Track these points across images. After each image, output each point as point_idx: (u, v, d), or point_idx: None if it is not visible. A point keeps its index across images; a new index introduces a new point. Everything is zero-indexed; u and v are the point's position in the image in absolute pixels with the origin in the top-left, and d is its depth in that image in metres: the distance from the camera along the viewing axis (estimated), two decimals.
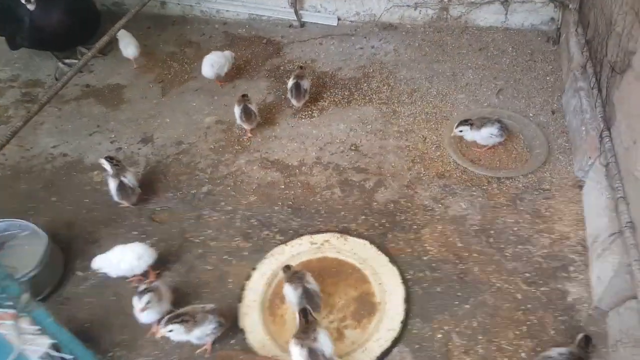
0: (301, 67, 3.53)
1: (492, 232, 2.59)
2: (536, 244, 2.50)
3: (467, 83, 3.55)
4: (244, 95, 3.28)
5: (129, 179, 2.84)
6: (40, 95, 3.80)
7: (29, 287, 0.91)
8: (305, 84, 3.39)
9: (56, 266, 2.61)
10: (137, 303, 2.21)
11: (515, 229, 2.58)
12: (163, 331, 2.11)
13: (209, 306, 2.25)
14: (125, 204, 2.90)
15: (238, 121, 3.28)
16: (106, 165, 2.83)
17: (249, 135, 3.34)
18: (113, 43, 3.94)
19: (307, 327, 2.06)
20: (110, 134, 3.46)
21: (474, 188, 2.81)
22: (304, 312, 2.08)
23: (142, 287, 2.26)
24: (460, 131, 2.96)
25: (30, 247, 2.58)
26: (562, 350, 1.98)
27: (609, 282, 2.03)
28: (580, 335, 2.02)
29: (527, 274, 2.39)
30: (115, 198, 2.85)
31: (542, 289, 2.33)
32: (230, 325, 2.30)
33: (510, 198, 2.73)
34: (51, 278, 2.56)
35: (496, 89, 3.46)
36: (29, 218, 2.83)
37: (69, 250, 2.74)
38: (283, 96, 3.64)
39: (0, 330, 1.48)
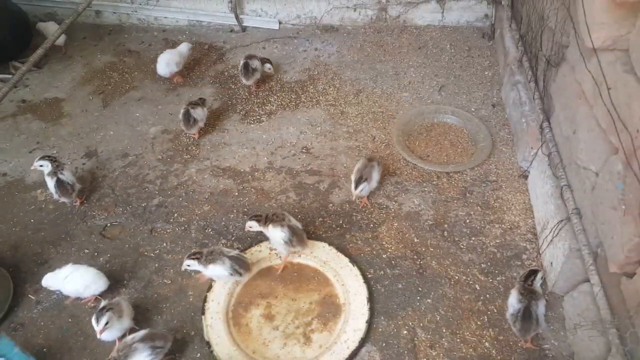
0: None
1: (446, 225, 2.67)
2: (489, 235, 2.61)
3: (410, 81, 3.66)
4: (200, 99, 3.35)
5: (67, 175, 2.80)
6: None
7: None
8: (255, 63, 3.54)
9: (4, 291, 2.45)
10: (95, 324, 2.12)
11: (468, 221, 2.68)
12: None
13: (140, 333, 2.12)
14: (66, 201, 2.87)
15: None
16: (43, 163, 2.79)
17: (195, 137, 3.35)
18: (48, 56, 3.74)
19: (275, 216, 2.44)
20: (52, 149, 3.28)
21: (425, 184, 2.89)
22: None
23: (102, 304, 2.19)
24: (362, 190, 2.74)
25: None
26: (516, 295, 2.10)
27: (561, 268, 2.13)
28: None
29: (483, 265, 2.48)
30: (55, 196, 2.82)
31: (498, 278, 2.42)
32: (174, 348, 2.21)
33: (460, 191, 2.84)
34: (1, 304, 2.40)
35: (438, 85, 3.59)
36: None
37: (17, 274, 2.57)
38: (230, 102, 3.60)
39: None
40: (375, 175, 2.75)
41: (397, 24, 4.21)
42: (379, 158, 2.87)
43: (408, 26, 4.19)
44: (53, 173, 2.77)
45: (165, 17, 4.36)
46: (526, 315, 2.05)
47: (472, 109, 3.36)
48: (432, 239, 2.61)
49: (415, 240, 2.61)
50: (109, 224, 2.82)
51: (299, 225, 2.52)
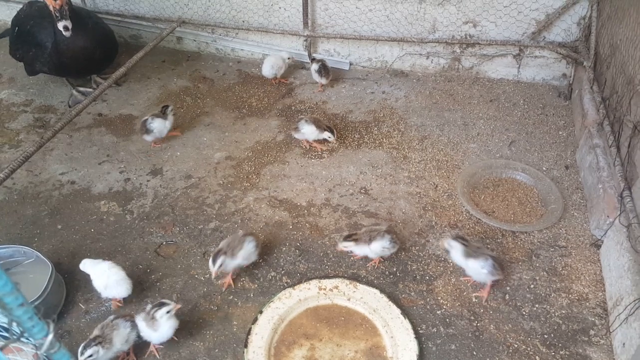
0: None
1: (507, 288, 2.51)
2: (554, 304, 2.42)
3: (479, 133, 3.56)
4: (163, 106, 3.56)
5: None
6: (53, 122, 3.79)
7: (52, 327, 0.85)
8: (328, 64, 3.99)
9: (59, 297, 2.51)
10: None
11: (532, 286, 2.51)
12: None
13: None
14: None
15: None
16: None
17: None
18: (128, 74, 3.97)
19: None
20: (120, 164, 3.42)
21: (488, 240, 2.75)
22: None
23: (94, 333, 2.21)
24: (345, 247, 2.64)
25: (34, 276, 2.49)
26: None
27: (636, 351, 1.93)
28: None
29: (546, 335, 2.29)
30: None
31: (561, 352, 2.22)
32: None
33: (525, 253, 2.67)
34: (53, 309, 2.45)
35: (508, 140, 3.47)
36: (33, 245, 2.76)
37: (71, 281, 2.63)
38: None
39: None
40: (244, 253, 2.49)
41: (469, 74, 4.16)
42: (259, 237, 2.62)
43: (480, 78, 4.13)
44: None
45: (242, 49, 4.54)
46: None
47: (544, 168, 3.20)
48: (492, 300, 2.45)
49: (474, 299, 2.46)
50: (164, 243, 2.86)
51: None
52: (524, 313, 2.39)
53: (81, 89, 4.05)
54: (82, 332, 2.41)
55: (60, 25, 3.44)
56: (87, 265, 2.49)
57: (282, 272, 2.67)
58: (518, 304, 2.43)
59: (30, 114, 3.92)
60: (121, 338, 2.19)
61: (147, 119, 3.45)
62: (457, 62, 4.16)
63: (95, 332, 2.18)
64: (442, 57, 4.16)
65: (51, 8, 3.39)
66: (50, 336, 0.85)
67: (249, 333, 2.33)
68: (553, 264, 2.61)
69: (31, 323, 0.82)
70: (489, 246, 2.71)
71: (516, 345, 2.26)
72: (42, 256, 2.51)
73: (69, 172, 3.36)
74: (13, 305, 0.77)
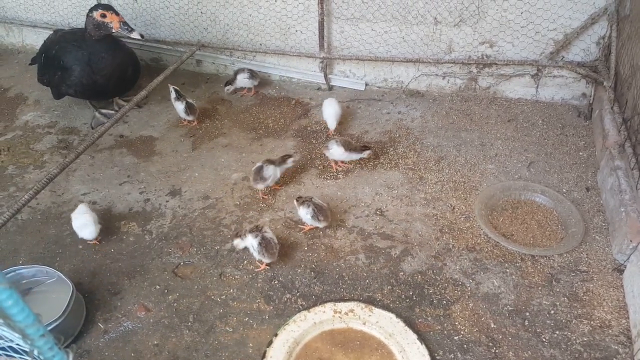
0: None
1: (527, 314, 2.45)
2: (575, 331, 2.35)
3: (497, 154, 3.53)
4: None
5: None
6: (76, 143, 3.89)
7: (72, 356, 0.88)
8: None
9: (79, 316, 2.55)
10: None
11: (552, 312, 2.45)
12: None
13: None
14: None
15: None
16: None
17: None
18: (148, 96, 4.07)
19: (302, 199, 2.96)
20: (140, 184, 3.48)
21: (507, 264, 2.70)
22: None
23: None
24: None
25: (56, 295, 2.53)
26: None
27: None
28: None
29: None
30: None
31: None
32: None
33: (545, 278, 2.62)
34: (73, 328, 2.49)
35: (527, 161, 3.43)
36: (55, 264, 2.82)
37: (91, 300, 2.67)
38: (309, 156, 3.66)
39: None
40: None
41: (486, 94, 4.15)
42: None
43: (498, 98, 4.11)
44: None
45: (259, 71, 4.60)
46: None
47: (564, 190, 3.15)
48: (511, 326, 2.40)
49: (492, 325, 2.41)
50: (182, 263, 2.89)
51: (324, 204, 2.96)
52: (544, 340, 2.33)
53: (103, 111, 4.17)
54: (101, 352, 2.44)
55: (136, 35, 3.68)
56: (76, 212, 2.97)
57: (298, 294, 2.67)
58: (538, 330, 2.38)
59: (55, 135, 4.04)
60: None
61: (262, 166, 3.22)
62: (474, 82, 4.15)
63: None
64: (458, 77, 4.16)
65: (117, 24, 3.63)
66: None
67: (263, 356, 2.32)
68: (574, 289, 2.55)
69: (52, 353, 0.84)
70: (507, 270, 2.67)
71: None
72: (63, 276, 2.56)
73: (90, 192, 3.43)
74: (35, 336, 0.80)
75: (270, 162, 3.25)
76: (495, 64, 3.96)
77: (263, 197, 3.32)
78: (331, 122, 3.78)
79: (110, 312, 2.60)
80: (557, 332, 2.35)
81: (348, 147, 3.40)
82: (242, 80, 4.34)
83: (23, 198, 2.70)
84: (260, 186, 3.25)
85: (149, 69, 4.79)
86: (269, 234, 2.76)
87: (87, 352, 2.44)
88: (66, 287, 2.51)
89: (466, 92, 4.19)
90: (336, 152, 3.39)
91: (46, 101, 4.40)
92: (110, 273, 2.83)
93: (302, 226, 3.06)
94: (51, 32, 4.19)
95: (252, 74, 4.33)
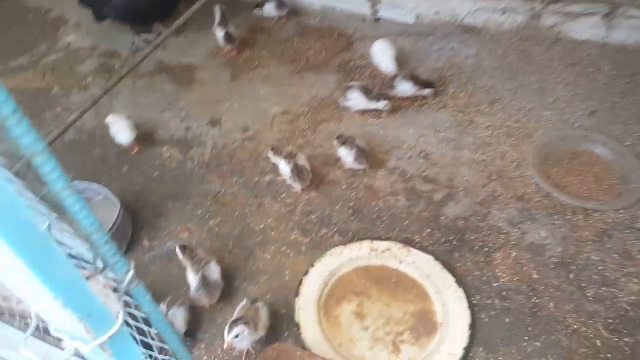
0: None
1: (573, 267, 2.35)
2: (623, 289, 2.24)
3: (556, 100, 3.29)
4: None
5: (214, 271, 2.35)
6: (118, 67, 3.88)
7: (133, 265, 0.89)
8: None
9: (125, 233, 2.64)
10: (226, 334, 2.00)
11: (601, 268, 2.33)
12: (229, 339, 2.00)
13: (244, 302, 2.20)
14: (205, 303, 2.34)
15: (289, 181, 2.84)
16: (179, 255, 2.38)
17: None
18: (187, 24, 3.95)
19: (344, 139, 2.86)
20: (181, 112, 3.46)
21: (556, 216, 2.57)
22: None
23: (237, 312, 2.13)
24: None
25: (104, 212, 2.61)
26: None
27: None
28: None
29: (610, 320, 2.14)
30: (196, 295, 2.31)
31: (626, 339, 2.07)
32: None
33: (597, 233, 2.47)
34: (120, 244, 2.58)
35: (588, 110, 3.17)
36: (101, 184, 2.89)
37: (136, 219, 2.77)
38: None
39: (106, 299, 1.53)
40: (262, 323, 2.14)
41: (549, 34, 3.81)
42: (265, 299, 2.29)
43: (562, 39, 3.77)
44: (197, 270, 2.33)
45: (302, 0, 4.38)
46: None
47: (627, 143, 2.91)
48: (555, 278, 2.31)
49: (535, 276, 2.33)
50: (222, 191, 2.91)
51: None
52: (588, 295, 2.24)
53: (144, 35, 4.10)
54: (146, 267, 2.56)
55: None
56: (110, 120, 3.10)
57: (334, 229, 2.65)
58: (583, 285, 2.28)
59: (96, 58, 4.03)
60: (263, 322, 2.13)
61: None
62: (537, 20, 3.81)
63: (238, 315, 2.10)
64: (520, 13, 3.82)
65: None
66: (131, 273, 0.92)
67: (300, 284, 2.37)
68: (627, 247, 2.41)
69: (115, 260, 0.87)
70: (557, 222, 2.55)
71: (576, 327, 2.14)
72: (111, 194, 2.63)
73: (133, 117, 3.43)
74: (100, 242, 0.81)
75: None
76: (563, 0, 3.61)
77: None
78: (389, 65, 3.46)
79: (155, 232, 2.70)
80: (604, 289, 2.26)
81: (416, 81, 3.23)
82: (270, 9, 4.14)
83: (70, 118, 2.73)
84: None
85: None
86: (302, 161, 2.78)
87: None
88: (113, 204, 2.59)
89: (527, 31, 3.86)
90: (405, 87, 3.23)
91: (87, 24, 4.36)
92: (154, 195, 2.90)
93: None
94: None
95: (280, 4, 4.09)
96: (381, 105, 3.16)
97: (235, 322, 2.01)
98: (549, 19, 3.76)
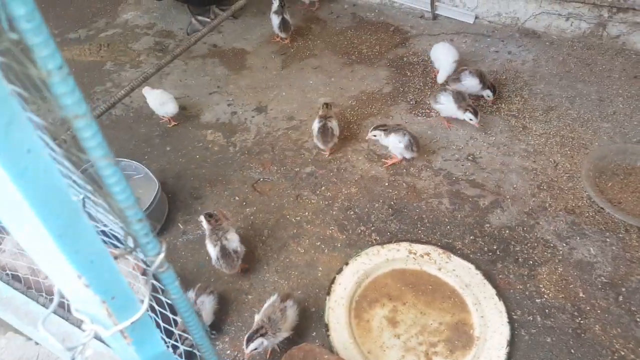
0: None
1: (623, 289, 2.22)
2: None
3: (615, 111, 3.12)
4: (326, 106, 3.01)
5: (233, 241, 2.32)
6: (172, 47, 3.93)
7: (165, 247, 0.85)
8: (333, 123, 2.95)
9: (161, 213, 2.66)
10: (245, 347, 1.97)
11: None
12: (248, 351, 1.97)
13: (274, 297, 2.13)
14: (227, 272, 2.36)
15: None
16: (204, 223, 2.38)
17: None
18: (245, 8, 3.96)
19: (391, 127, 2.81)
20: (229, 96, 3.48)
21: (608, 233, 2.44)
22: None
23: (257, 320, 2.05)
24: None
25: (142, 191, 2.64)
26: None
27: None
28: None
29: None
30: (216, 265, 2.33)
31: None
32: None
33: None
34: (155, 224, 2.60)
35: None
36: (143, 162, 2.94)
37: (173, 201, 2.79)
38: (402, 89, 3.45)
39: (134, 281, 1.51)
40: (288, 324, 2.06)
41: (613, 44, 3.62)
42: (295, 297, 2.20)
43: (627, 49, 3.57)
44: (216, 239, 2.31)
45: None
46: None
47: None
48: (602, 299, 2.19)
49: (581, 294, 2.22)
50: (261, 179, 2.90)
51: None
52: (637, 320, 2.12)
53: (200, 18, 4.14)
54: (178, 251, 2.55)
55: None
56: (146, 91, 3.17)
57: (372, 228, 2.60)
58: (633, 308, 2.15)
59: (152, 37, 4.10)
60: (289, 323, 2.06)
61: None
62: (602, 28, 3.62)
63: (259, 317, 2.04)
64: (584, 20, 3.64)
65: None
66: (162, 255, 0.85)
67: (332, 282, 2.31)
68: None
69: (146, 239, 0.81)
70: (608, 240, 2.42)
71: (623, 353, 2.02)
72: (150, 173, 2.65)
73: (181, 97, 3.48)
74: (133, 219, 0.76)
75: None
76: (634, 9, 3.40)
77: None
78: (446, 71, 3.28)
79: (190, 215, 2.69)
80: None
81: (483, 79, 3.10)
82: None
83: (118, 94, 2.77)
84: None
85: None
86: (332, 123, 2.90)
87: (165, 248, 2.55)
88: (152, 184, 2.61)
89: (590, 39, 3.68)
90: (470, 83, 3.11)
91: (146, 2, 4.44)
92: (193, 178, 2.91)
93: (385, 160, 2.94)
94: None
95: None
96: (466, 117, 2.97)
97: (253, 335, 1.95)
98: (614, 28, 3.57)
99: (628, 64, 3.48)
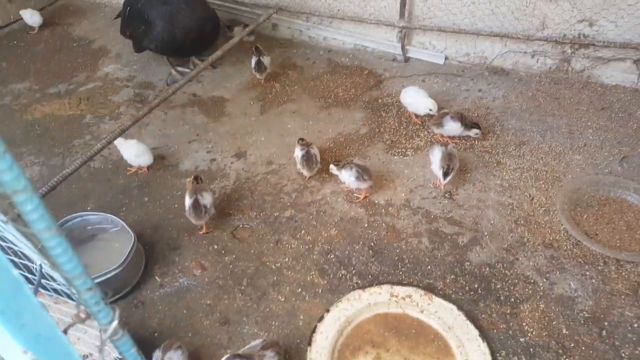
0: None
1: (605, 323, 2.22)
2: None
3: (586, 144, 3.20)
4: None
5: (206, 199, 2.73)
6: (151, 98, 3.98)
7: (118, 314, 0.83)
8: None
9: (138, 267, 2.61)
10: None
11: (636, 325, 2.19)
12: None
13: (257, 342, 2.13)
14: (194, 222, 2.77)
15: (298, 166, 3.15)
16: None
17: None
18: (223, 58, 4.05)
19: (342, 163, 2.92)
20: (208, 144, 3.50)
21: (587, 266, 2.45)
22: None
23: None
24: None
25: (118, 244, 2.61)
26: None
27: None
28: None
29: None
30: (187, 214, 2.74)
31: None
32: None
33: (631, 287, 2.34)
34: (131, 278, 2.56)
35: (619, 155, 3.08)
36: (120, 214, 2.91)
37: (151, 252, 2.74)
38: (377, 129, 3.51)
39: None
40: None
41: (579, 78, 3.76)
42: (279, 348, 2.13)
43: (592, 83, 3.71)
44: (193, 193, 2.74)
45: (334, 38, 4.46)
46: None
47: None
48: (586, 335, 2.18)
49: (564, 331, 2.20)
50: (241, 225, 2.88)
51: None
52: (622, 355, 2.10)
53: (180, 68, 4.22)
54: (155, 305, 2.49)
55: None
56: (119, 143, 3.14)
57: (353, 271, 2.58)
58: (617, 343, 2.14)
59: (132, 89, 4.15)
60: None
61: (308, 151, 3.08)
62: (567, 64, 3.77)
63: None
64: (549, 56, 3.79)
65: None
66: (115, 323, 0.83)
67: (313, 331, 2.27)
68: None
69: (97, 308, 0.80)
70: (587, 273, 2.43)
71: None
72: (126, 226, 2.62)
73: (160, 147, 3.50)
74: (82, 288, 0.75)
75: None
76: (594, 45, 3.56)
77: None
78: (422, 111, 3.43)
79: (168, 267, 2.65)
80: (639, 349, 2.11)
81: (464, 121, 3.20)
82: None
83: (96, 147, 2.78)
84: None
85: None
86: (314, 150, 3.08)
87: (142, 304, 2.50)
88: (129, 237, 2.57)
89: (556, 74, 3.82)
90: (452, 127, 3.20)
91: (127, 55, 4.52)
92: (171, 228, 2.88)
93: (357, 195, 2.99)
94: None
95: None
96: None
97: (234, 357, 1.94)
98: (578, 63, 3.72)
99: (594, 96, 3.61)
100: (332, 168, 3.00)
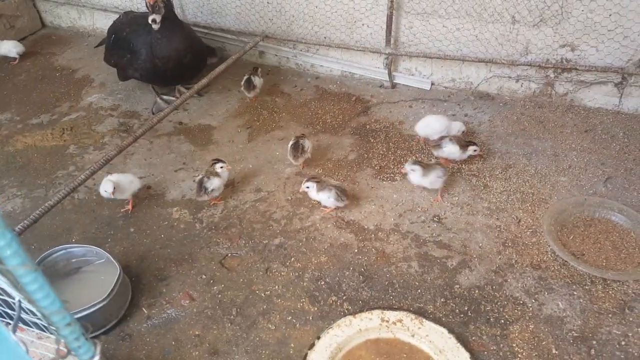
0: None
1: (594, 342, 2.21)
2: None
3: (570, 165, 3.25)
4: None
5: (212, 182, 3.07)
6: (136, 127, 3.98)
7: (99, 349, 0.81)
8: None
9: (124, 299, 2.57)
10: None
11: (623, 343, 2.19)
12: None
13: None
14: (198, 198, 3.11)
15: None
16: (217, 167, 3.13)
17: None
18: (210, 85, 4.09)
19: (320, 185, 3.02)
20: (195, 172, 3.49)
21: (574, 286, 2.46)
22: None
23: None
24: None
25: (103, 277, 2.57)
26: None
27: None
28: None
29: None
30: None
31: None
32: None
33: (617, 305, 2.35)
34: (118, 311, 2.51)
35: (604, 176, 3.13)
36: (106, 245, 2.87)
37: (137, 284, 2.70)
38: (366, 155, 3.53)
39: None
40: None
41: (562, 101, 3.84)
42: None
43: (575, 106, 3.79)
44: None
45: (321, 66, 4.53)
46: None
47: None
48: (575, 354, 2.17)
49: (554, 351, 2.19)
50: (229, 254, 2.85)
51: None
52: None
53: (165, 97, 4.23)
54: (143, 337, 2.44)
55: (150, 19, 3.66)
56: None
57: (344, 297, 2.56)
58: None
59: (116, 118, 4.15)
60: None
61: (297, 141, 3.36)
62: (550, 88, 3.86)
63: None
64: (533, 81, 3.88)
65: (146, 2, 3.63)
66: (97, 358, 0.81)
67: (304, 359, 2.23)
68: None
69: (77, 344, 0.78)
70: (575, 292, 2.43)
71: None
72: (112, 258, 2.58)
73: (146, 177, 3.48)
74: (60, 324, 0.73)
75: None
76: (576, 69, 3.66)
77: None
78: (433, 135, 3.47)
79: (155, 298, 2.61)
80: None
81: (460, 143, 3.26)
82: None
83: (80, 177, 2.76)
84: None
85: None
86: (304, 141, 3.33)
87: (129, 336, 2.45)
88: (114, 269, 2.54)
89: (540, 98, 3.90)
90: (451, 149, 3.26)
91: (111, 84, 4.54)
92: (158, 258, 2.85)
93: (323, 208, 3.10)
94: (121, 14, 4.28)
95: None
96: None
97: None
98: (561, 87, 3.81)
99: (578, 119, 3.68)
100: (309, 186, 3.03)
